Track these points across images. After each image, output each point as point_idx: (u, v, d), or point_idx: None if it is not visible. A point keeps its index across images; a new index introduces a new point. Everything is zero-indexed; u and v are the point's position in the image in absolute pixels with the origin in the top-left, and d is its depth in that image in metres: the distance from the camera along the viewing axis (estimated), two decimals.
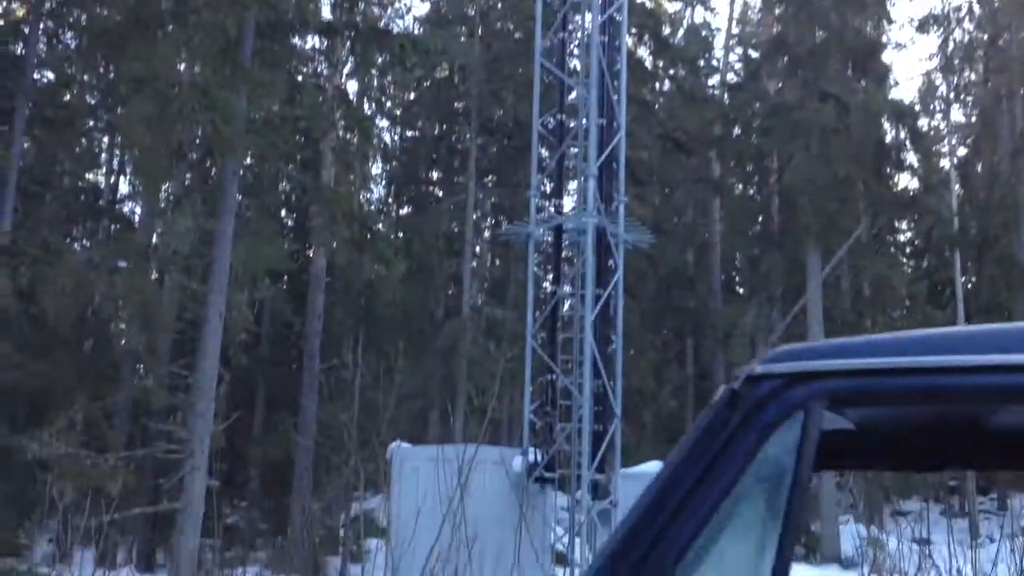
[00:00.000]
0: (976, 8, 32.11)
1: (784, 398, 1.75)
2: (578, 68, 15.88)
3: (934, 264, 33.06)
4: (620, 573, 1.70)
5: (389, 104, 31.33)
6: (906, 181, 31.16)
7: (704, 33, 34.75)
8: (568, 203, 17.53)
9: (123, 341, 19.63)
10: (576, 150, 15.29)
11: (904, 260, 33.41)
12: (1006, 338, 1.82)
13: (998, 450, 2.42)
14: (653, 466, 13.83)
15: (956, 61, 32.44)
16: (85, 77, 22.48)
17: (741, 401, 1.77)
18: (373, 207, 28.90)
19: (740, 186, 32.35)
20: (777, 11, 27.52)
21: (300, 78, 21.03)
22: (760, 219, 30.31)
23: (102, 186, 27.39)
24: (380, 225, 24.43)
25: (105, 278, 16.02)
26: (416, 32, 27.95)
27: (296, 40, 20.90)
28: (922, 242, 33.99)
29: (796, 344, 1.89)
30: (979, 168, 33.64)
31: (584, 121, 14.86)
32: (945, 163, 32.49)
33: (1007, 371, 1.73)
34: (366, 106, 27.46)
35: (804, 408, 1.73)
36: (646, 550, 1.70)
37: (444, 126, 30.50)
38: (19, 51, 19.75)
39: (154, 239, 19.08)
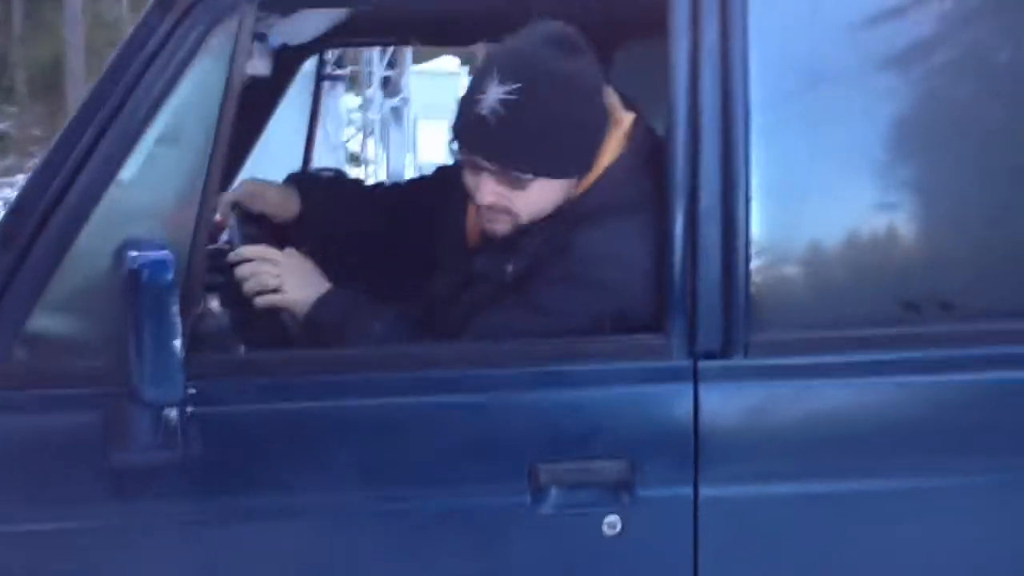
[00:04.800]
0: None
1: (214, 2, 1.64)
2: None
3: None
4: (58, 174, 1.62)
5: None
6: None
7: None
8: None
9: None
10: None
11: None
12: None
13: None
14: (446, 62, 13.73)
15: None
16: None
17: (170, 6, 1.64)
18: None
19: None
20: None
21: None
22: None
23: None
24: None
25: None
26: None
27: None
28: None
29: None
30: None
31: None
32: None
33: None
34: None
35: (236, 11, 1.64)
36: (79, 163, 1.62)
37: None
38: None
39: None
